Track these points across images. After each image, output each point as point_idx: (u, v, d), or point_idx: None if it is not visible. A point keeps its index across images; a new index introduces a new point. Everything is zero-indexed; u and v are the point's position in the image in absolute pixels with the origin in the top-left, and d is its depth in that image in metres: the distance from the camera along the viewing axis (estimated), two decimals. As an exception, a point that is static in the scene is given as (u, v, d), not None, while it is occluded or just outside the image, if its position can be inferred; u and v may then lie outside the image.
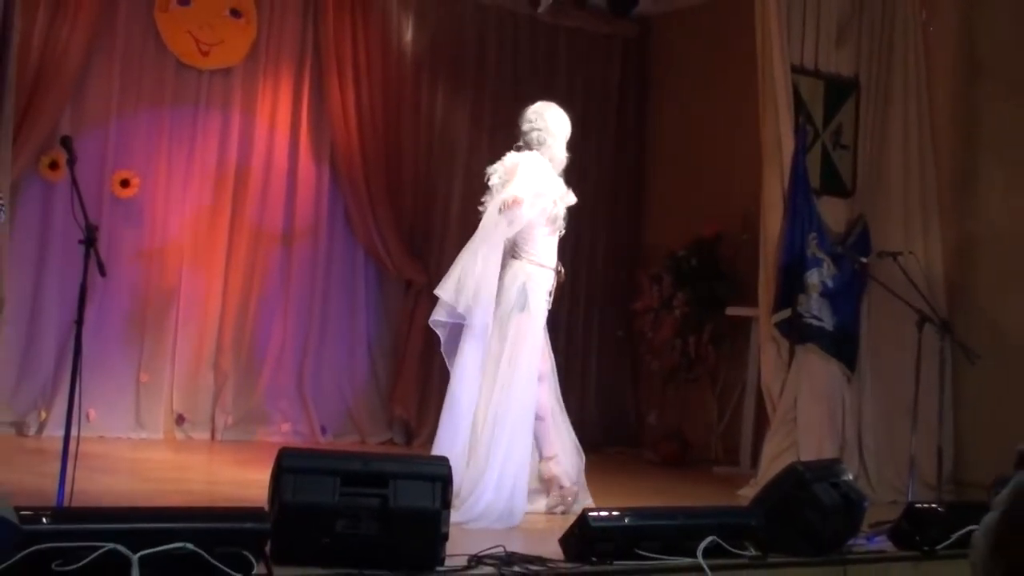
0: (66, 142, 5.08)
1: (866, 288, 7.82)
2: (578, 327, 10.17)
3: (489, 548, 4.45)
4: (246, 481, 6.45)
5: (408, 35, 9.40)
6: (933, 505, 5.61)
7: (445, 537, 4.24)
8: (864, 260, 7.58)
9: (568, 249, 10.05)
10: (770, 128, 7.70)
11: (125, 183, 8.23)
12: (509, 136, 9.75)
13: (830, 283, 7.68)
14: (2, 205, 5.49)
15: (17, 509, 3.50)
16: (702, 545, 4.63)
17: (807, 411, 7.53)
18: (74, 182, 4.85)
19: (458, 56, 9.61)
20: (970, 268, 8.02)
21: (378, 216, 9.02)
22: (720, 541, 4.71)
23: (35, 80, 7.56)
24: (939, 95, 8.19)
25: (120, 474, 6.58)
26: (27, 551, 3.41)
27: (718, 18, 9.55)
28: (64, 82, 7.79)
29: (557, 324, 10.00)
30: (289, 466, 4.11)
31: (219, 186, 8.64)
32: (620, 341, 10.15)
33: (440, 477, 4.27)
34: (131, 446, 7.91)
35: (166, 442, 8.28)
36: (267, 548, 3.93)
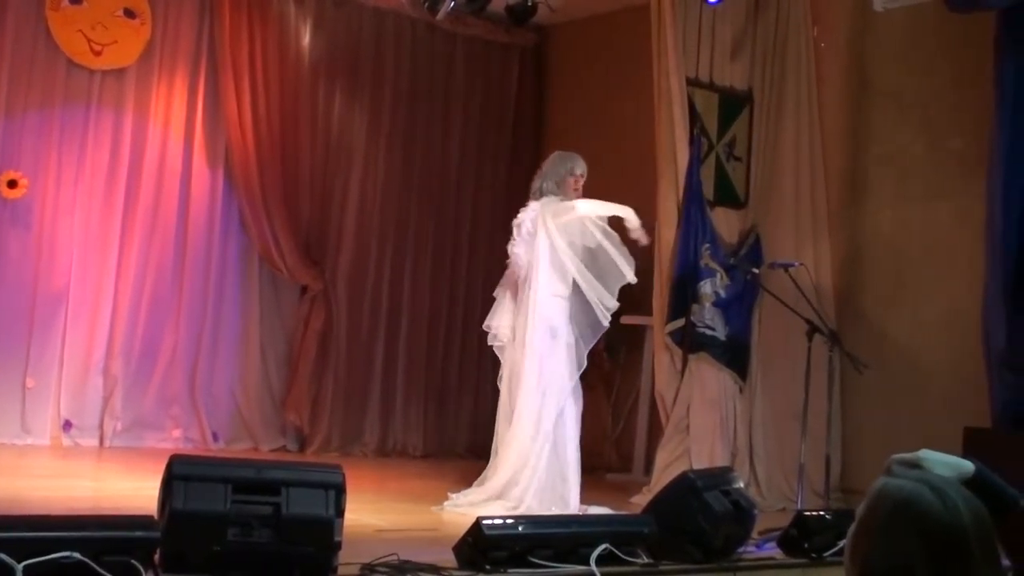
0: (-49, 141, 4.96)
1: (758, 298, 7.94)
2: (473, 335, 10.17)
3: (383, 556, 4.43)
4: (135, 488, 6.35)
5: (305, 39, 9.34)
6: (821, 513, 5.72)
7: (338, 545, 4.21)
8: (756, 271, 7.70)
9: (463, 258, 10.12)
10: (665, 139, 7.80)
11: (13, 184, 8.04)
12: (406, 141, 9.79)
13: (723, 293, 7.79)
14: None
15: None
16: (595, 553, 4.66)
17: (699, 419, 7.63)
18: (-41, 182, 4.73)
19: (355, 61, 9.57)
20: (858, 279, 8.20)
21: (273, 221, 8.94)
22: (613, 549, 4.75)
23: (-81, 76, 7.37)
24: (829, 109, 8.36)
25: (4, 481, 6.43)
26: (-95, 561, 3.32)
27: (615, 29, 9.64)
28: (-50, 79, 7.60)
29: (452, 333, 10.05)
30: (180, 473, 4.05)
31: (111, 188, 8.49)
32: (516, 349, 10.16)
33: (334, 485, 4.24)
34: (16, 452, 7.74)
35: (53, 448, 8.12)
36: (156, 557, 3.87)
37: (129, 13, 8.52)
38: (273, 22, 9.10)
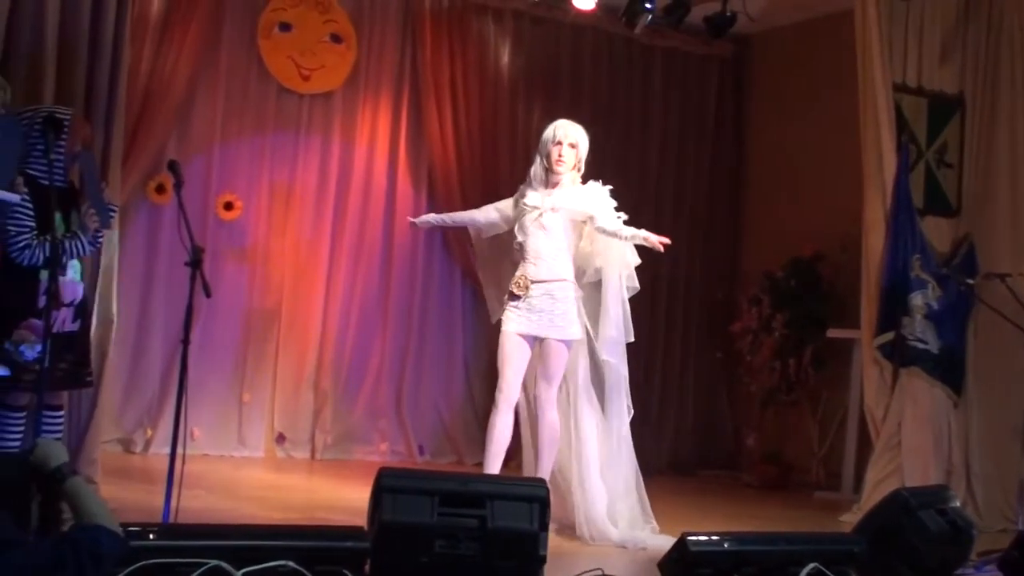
0: (173, 166, 5.19)
1: (972, 310, 7.66)
2: (675, 348, 10.11)
3: (588, 571, 4.43)
4: (345, 500, 6.52)
5: (504, 57, 9.45)
6: (1044, 533, 5.46)
7: (543, 559, 4.23)
8: (970, 281, 7.44)
9: (665, 270, 10.06)
10: (871, 147, 7.60)
11: (229, 206, 8.38)
12: (605, 155, 9.75)
13: (935, 305, 7.54)
14: (114, 210, 5.63)
15: (124, 525, 3.57)
16: (804, 572, 4.54)
17: (912, 436, 7.39)
18: (181, 206, 4.94)
19: (554, 77, 9.63)
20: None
21: (475, 238, 9.05)
22: (822, 568, 4.62)
23: (143, 106, 7.71)
24: (1048, 111, 8.00)
25: (223, 492, 6.68)
26: (134, 567, 3.47)
27: (817, 36, 9.44)
28: (170, 108, 7.93)
29: (654, 345, 9.99)
30: (388, 485, 4.14)
31: (319, 208, 8.76)
32: (718, 363, 10.05)
33: (538, 499, 4.27)
34: (233, 464, 8.03)
35: (267, 460, 8.39)
36: (367, 567, 3.96)
37: (336, 38, 8.79)
38: (473, 42, 9.25)
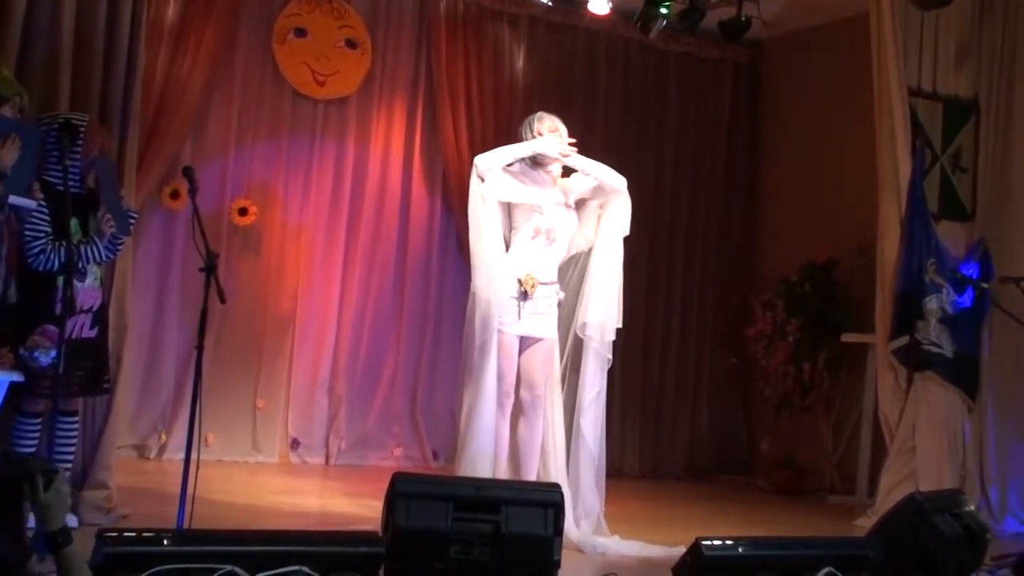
0: (188, 172, 5.19)
1: (987, 314, 7.64)
2: (690, 353, 10.10)
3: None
4: (360, 505, 6.53)
5: (519, 62, 9.46)
6: (1059, 538, 5.45)
7: (557, 564, 4.24)
8: (985, 285, 7.41)
9: (677, 275, 10.06)
10: (886, 152, 7.59)
11: (243, 211, 8.40)
12: (619, 160, 9.72)
13: (950, 309, 7.53)
14: (135, 216, 5.65)
15: (139, 531, 3.59)
16: (818, 576, 4.54)
17: (926, 440, 7.38)
18: (196, 211, 4.95)
19: (568, 82, 9.63)
20: (1097, 294, 7.78)
21: (490, 243, 9.05)
22: (836, 572, 4.61)
23: (157, 111, 7.73)
24: (1063, 116, 7.98)
25: (237, 497, 6.69)
26: (148, 572, 3.48)
27: (832, 41, 9.44)
28: (185, 113, 7.95)
29: (669, 350, 9.99)
30: (403, 491, 4.15)
31: (334, 213, 8.78)
32: (732, 368, 10.04)
33: (552, 504, 4.27)
34: (248, 470, 8.04)
35: (281, 466, 8.41)
36: (381, 572, 3.96)
37: (351, 44, 8.81)
38: (488, 48, 9.26)
